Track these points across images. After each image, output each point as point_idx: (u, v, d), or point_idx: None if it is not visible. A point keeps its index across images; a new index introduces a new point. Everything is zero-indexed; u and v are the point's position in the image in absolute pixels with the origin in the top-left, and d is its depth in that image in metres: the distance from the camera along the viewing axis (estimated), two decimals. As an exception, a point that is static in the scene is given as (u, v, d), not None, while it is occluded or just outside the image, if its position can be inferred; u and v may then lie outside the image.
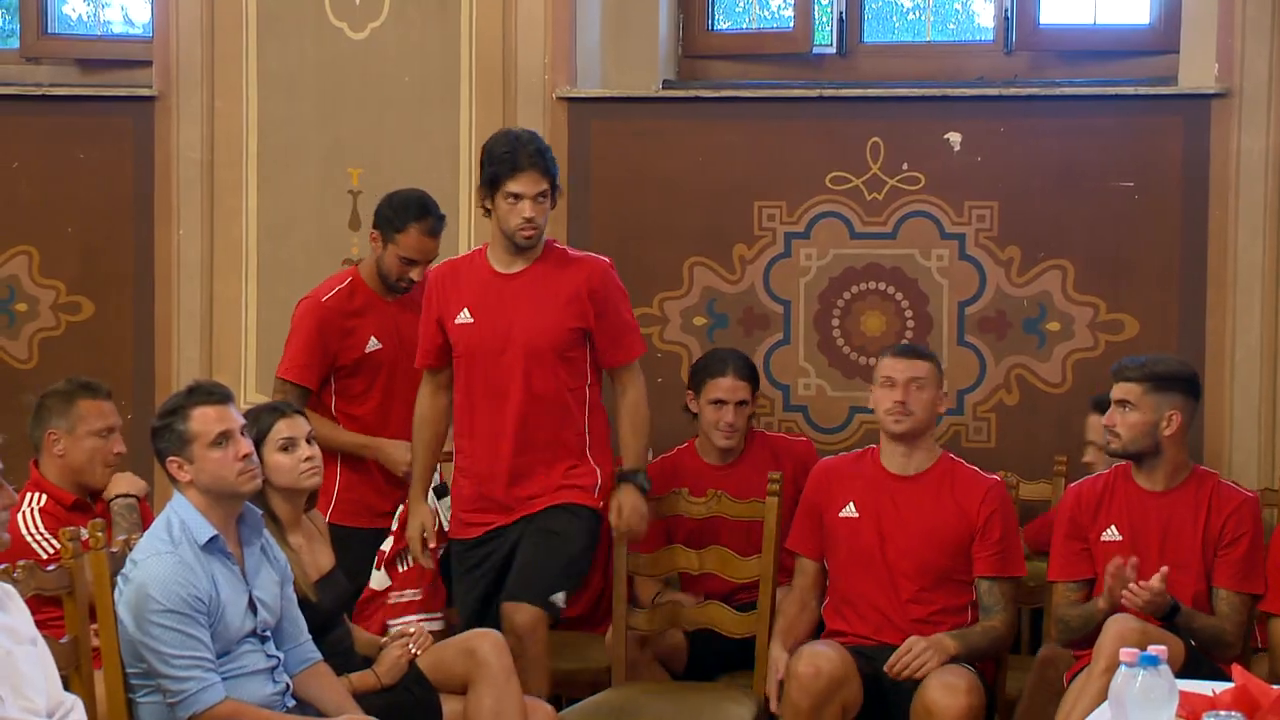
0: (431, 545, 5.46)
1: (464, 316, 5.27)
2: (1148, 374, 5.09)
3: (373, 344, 5.77)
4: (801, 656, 5.02)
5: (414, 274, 5.71)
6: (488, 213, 5.26)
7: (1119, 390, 5.10)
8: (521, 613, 5.15)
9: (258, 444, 4.79)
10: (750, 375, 5.84)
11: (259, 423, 4.86)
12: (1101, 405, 5.29)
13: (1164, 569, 4.82)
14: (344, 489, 5.75)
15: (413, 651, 4.85)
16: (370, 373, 5.79)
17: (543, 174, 5.16)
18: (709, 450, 5.87)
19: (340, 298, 5.79)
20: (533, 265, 5.26)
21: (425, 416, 5.43)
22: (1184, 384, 5.13)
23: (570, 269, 5.26)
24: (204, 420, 4.45)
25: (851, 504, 5.28)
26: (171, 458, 4.45)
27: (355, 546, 5.54)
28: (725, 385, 5.77)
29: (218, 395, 4.52)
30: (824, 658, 4.98)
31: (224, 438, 4.45)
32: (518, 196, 5.14)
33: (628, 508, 5.31)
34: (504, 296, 5.24)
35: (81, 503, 5.25)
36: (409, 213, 5.71)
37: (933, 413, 5.29)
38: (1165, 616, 4.85)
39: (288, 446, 4.86)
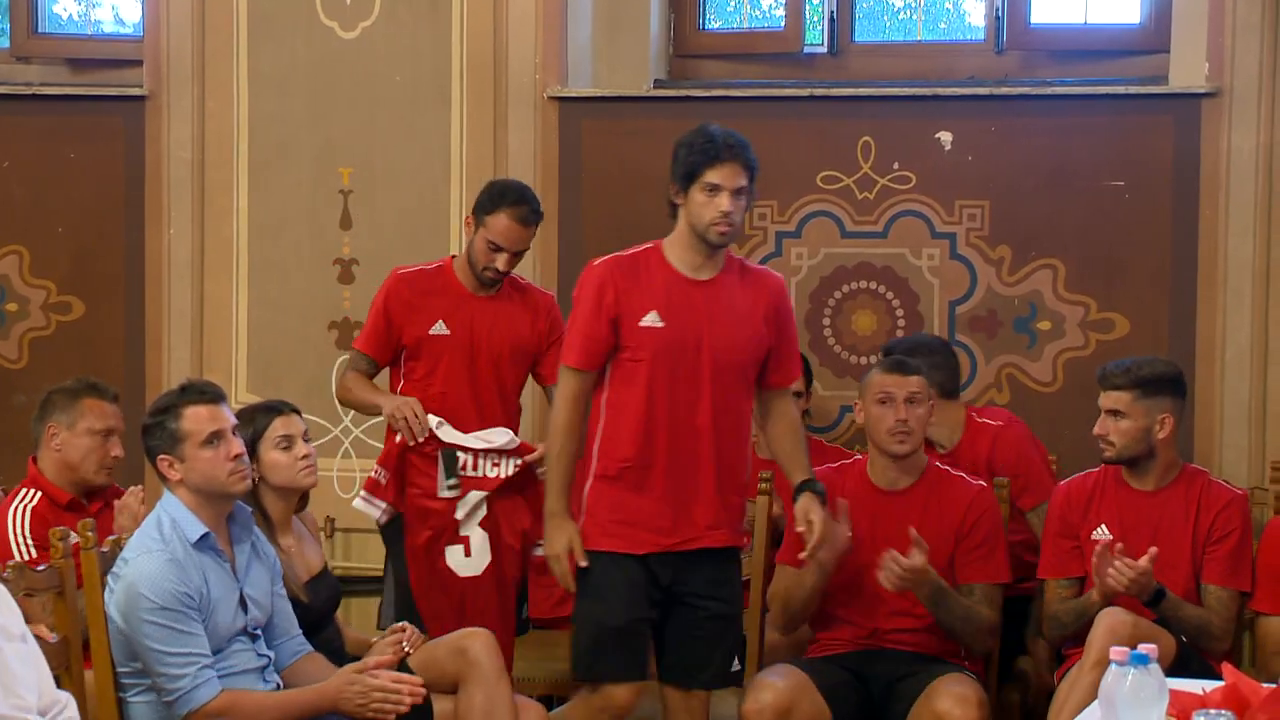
0: (582, 564, 4.87)
1: (652, 319, 4.83)
2: (1135, 380, 5.09)
3: (439, 328, 5.55)
4: (749, 691, 4.99)
5: (499, 263, 5.50)
6: (674, 212, 4.91)
7: (1108, 399, 5.10)
8: (697, 699, 4.93)
9: (254, 441, 4.81)
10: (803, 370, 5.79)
11: (255, 420, 4.87)
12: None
13: (1153, 550, 4.83)
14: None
15: (405, 650, 4.85)
16: (432, 357, 5.57)
17: (743, 167, 4.80)
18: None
19: (421, 275, 5.63)
20: (721, 273, 4.88)
21: (571, 424, 4.87)
22: (1172, 385, 5.14)
23: (756, 282, 4.93)
24: (196, 419, 4.46)
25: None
26: (162, 456, 4.45)
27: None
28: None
29: (210, 394, 4.53)
30: (768, 689, 4.93)
31: (215, 437, 4.45)
32: (716, 188, 4.76)
33: (819, 520, 4.87)
34: (695, 303, 4.84)
35: (76, 502, 5.25)
36: (505, 197, 5.52)
37: (925, 426, 5.27)
38: (1151, 602, 4.86)
39: (285, 444, 4.87)
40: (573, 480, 4.88)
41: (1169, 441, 5.11)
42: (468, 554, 5.52)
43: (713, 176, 4.78)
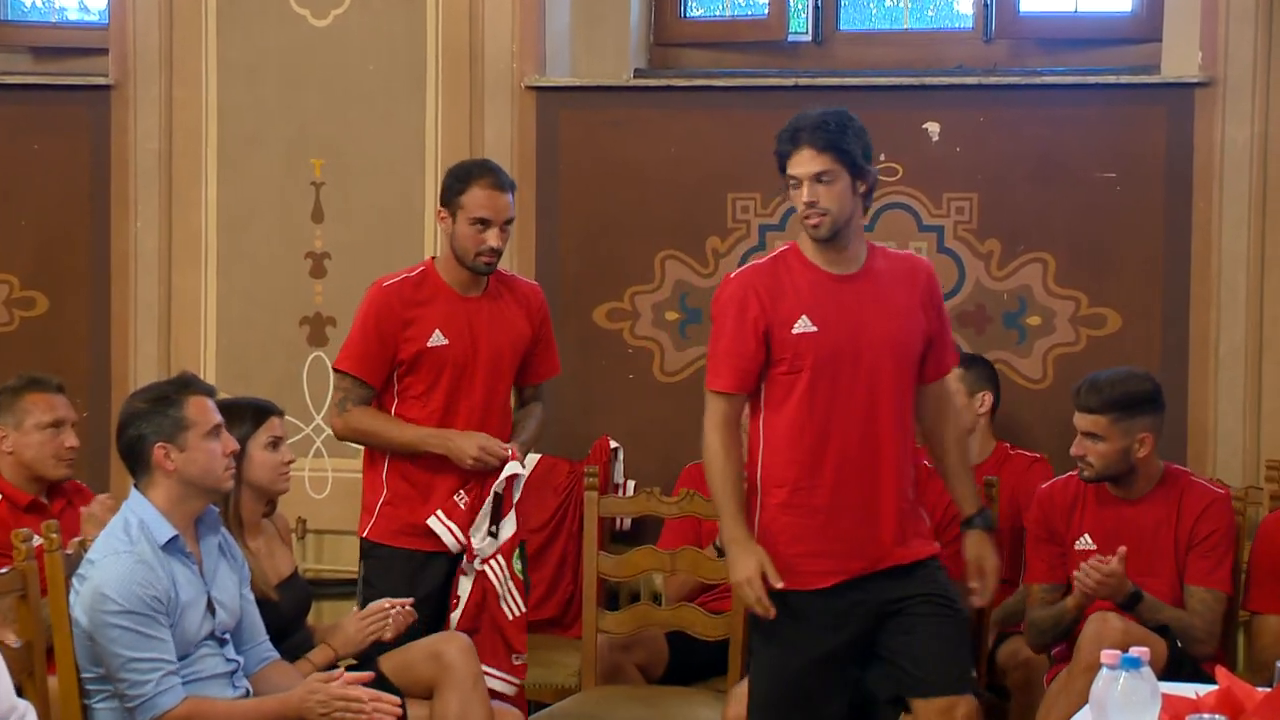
0: (778, 585, 4.49)
1: (804, 324, 4.51)
2: (1110, 403, 5.09)
3: (437, 338, 5.25)
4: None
5: (491, 239, 5.21)
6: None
7: (1084, 422, 5.11)
8: (963, 705, 4.51)
9: (244, 438, 4.81)
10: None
11: (249, 417, 4.87)
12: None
13: (1121, 550, 4.84)
14: (387, 503, 5.32)
15: (386, 629, 4.87)
16: (432, 371, 5.26)
17: (818, 150, 4.48)
18: None
19: (405, 284, 5.32)
20: (868, 263, 4.58)
21: (730, 447, 4.54)
22: (1148, 403, 5.13)
23: (905, 268, 4.64)
24: (202, 409, 4.46)
25: None
26: (161, 444, 4.42)
27: (397, 568, 5.27)
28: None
29: (208, 389, 4.57)
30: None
31: (215, 431, 4.46)
32: (796, 181, 4.51)
33: (990, 566, 4.63)
34: (844, 301, 4.54)
35: (37, 503, 5.24)
36: (471, 171, 5.30)
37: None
38: (1127, 605, 4.87)
39: (274, 445, 4.89)
40: (743, 503, 4.55)
41: (1149, 458, 5.13)
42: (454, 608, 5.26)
43: (791, 168, 4.52)
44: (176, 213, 6.77)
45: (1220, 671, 3.67)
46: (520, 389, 5.50)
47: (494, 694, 5.03)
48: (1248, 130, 6.01)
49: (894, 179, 6.29)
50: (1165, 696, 3.49)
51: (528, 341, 5.40)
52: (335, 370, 5.38)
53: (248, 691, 4.51)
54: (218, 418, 4.49)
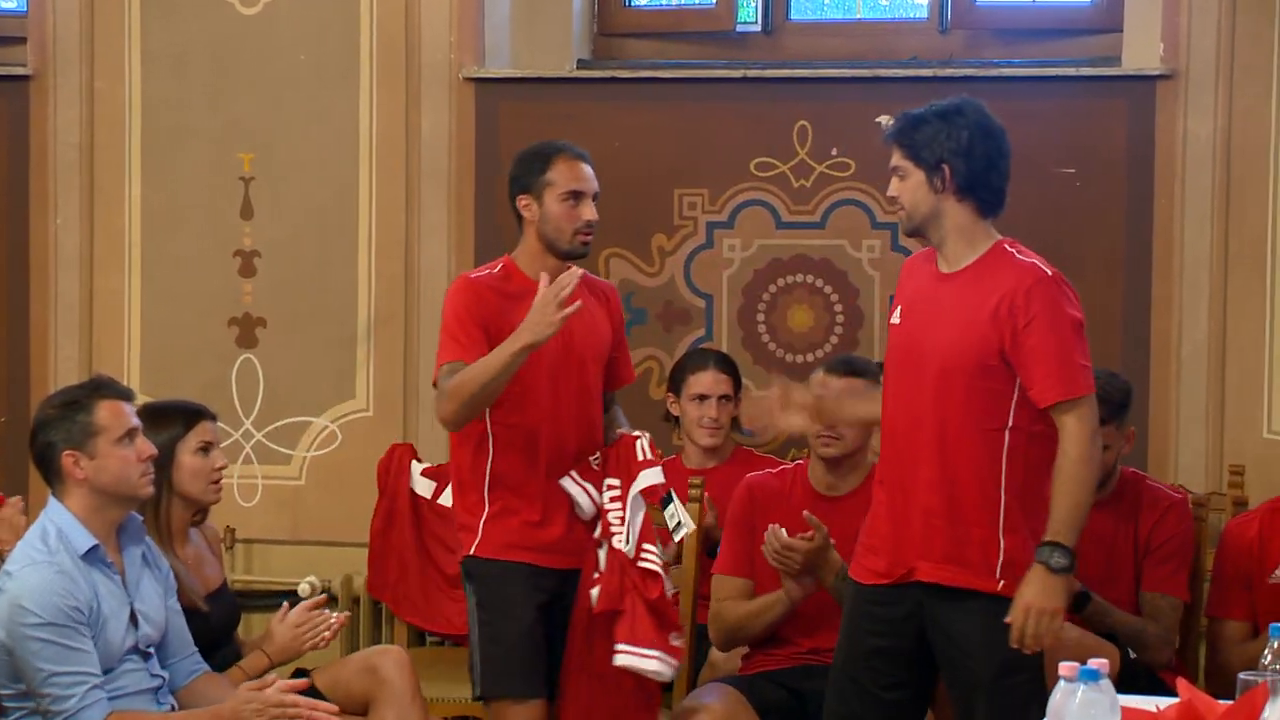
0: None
1: (896, 316, 4.67)
2: (1115, 407, 5.13)
3: None
4: (680, 712, 5.05)
5: (586, 211, 5.03)
6: None
7: None
8: None
9: (173, 442, 4.79)
10: (732, 370, 5.96)
11: (176, 421, 4.85)
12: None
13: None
14: (492, 518, 5.03)
15: (324, 637, 4.86)
16: (528, 369, 4.90)
17: (889, 144, 4.64)
18: (692, 455, 5.98)
19: (491, 278, 5.06)
20: (973, 266, 4.56)
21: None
22: (1114, 409, 5.13)
23: (1002, 277, 4.53)
24: (112, 414, 4.43)
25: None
26: (69, 451, 4.40)
27: (511, 584, 5.00)
28: (707, 380, 5.88)
29: (124, 392, 4.53)
30: (703, 711, 4.96)
31: (130, 435, 4.43)
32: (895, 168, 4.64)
33: (1034, 616, 4.39)
34: (936, 298, 4.59)
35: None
36: (543, 150, 5.13)
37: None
38: (1075, 607, 4.85)
39: (205, 450, 4.87)
40: None
41: (1110, 461, 5.15)
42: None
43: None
44: (98, 209, 6.73)
45: (1181, 683, 3.69)
46: (610, 395, 5.27)
47: (644, 681, 4.96)
48: (1210, 124, 6.04)
49: (846, 174, 6.31)
50: (1125, 709, 3.50)
51: (610, 342, 5.20)
52: (438, 368, 5.00)
53: (173, 707, 4.49)
54: (132, 422, 4.45)
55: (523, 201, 5.08)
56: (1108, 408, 5.01)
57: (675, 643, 4.96)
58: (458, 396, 4.88)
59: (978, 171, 4.55)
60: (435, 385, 5.01)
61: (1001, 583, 4.45)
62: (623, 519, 4.96)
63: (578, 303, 4.78)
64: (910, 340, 4.57)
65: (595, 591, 4.96)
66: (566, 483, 5.02)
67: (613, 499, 5.00)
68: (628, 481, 5.00)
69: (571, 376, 5.03)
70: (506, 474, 5.00)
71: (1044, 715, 4.41)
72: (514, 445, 4.98)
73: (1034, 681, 4.40)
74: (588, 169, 5.11)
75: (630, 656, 4.89)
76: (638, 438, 5.05)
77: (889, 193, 4.63)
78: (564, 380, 5.01)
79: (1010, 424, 4.46)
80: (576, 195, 5.04)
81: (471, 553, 5.02)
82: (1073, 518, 4.38)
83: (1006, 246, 4.57)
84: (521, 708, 4.93)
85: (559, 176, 5.05)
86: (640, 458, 4.99)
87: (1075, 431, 4.39)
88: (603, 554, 5.00)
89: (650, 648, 4.91)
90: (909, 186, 4.56)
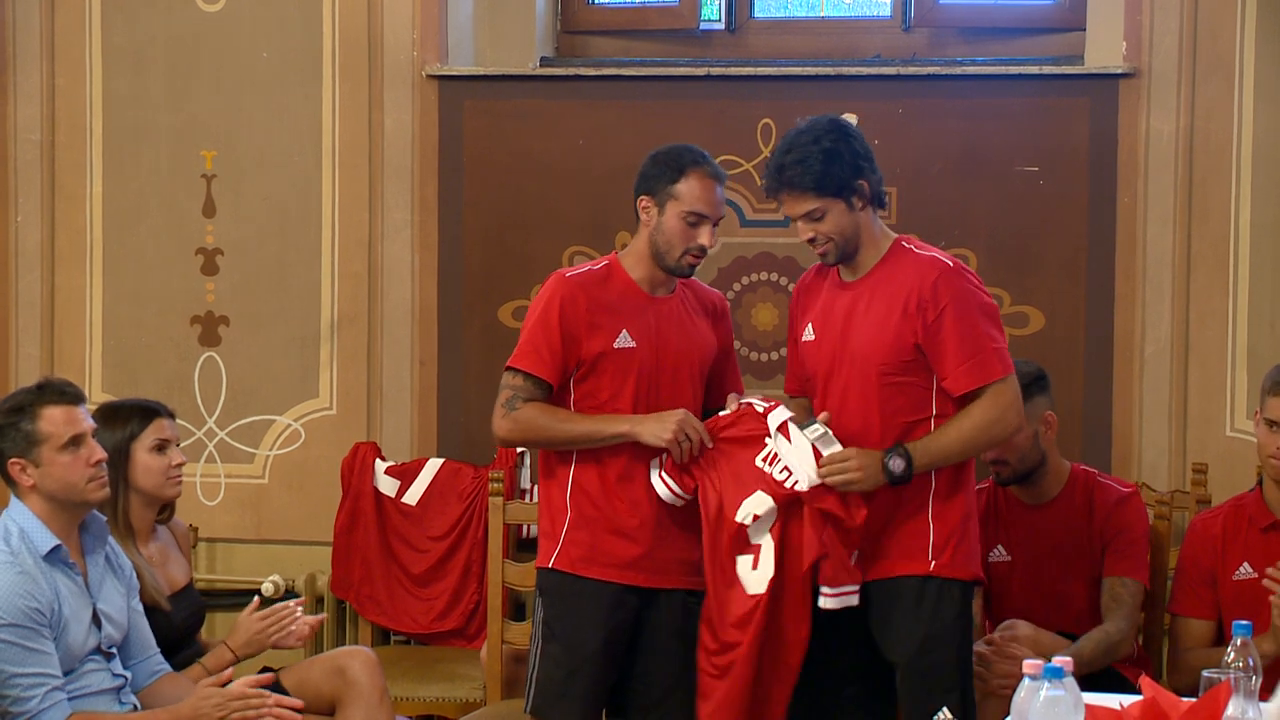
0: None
1: (808, 334, 4.80)
2: (1025, 378, 5.14)
3: (624, 339, 4.81)
4: None
5: (703, 238, 4.80)
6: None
7: None
8: None
9: (128, 440, 4.78)
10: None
11: (132, 420, 4.83)
12: None
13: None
14: (574, 527, 4.85)
15: (291, 633, 4.85)
16: (618, 375, 4.80)
17: (801, 192, 4.66)
18: None
19: (590, 277, 4.88)
20: (874, 269, 4.70)
21: None
22: (1038, 383, 5.17)
23: (906, 271, 4.67)
24: (54, 421, 4.41)
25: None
26: (14, 460, 4.40)
27: (585, 603, 4.83)
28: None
29: (70, 394, 4.48)
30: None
31: (75, 441, 4.41)
32: (789, 219, 4.78)
33: (851, 466, 4.57)
34: (837, 309, 4.75)
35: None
36: (686, 157, 4.84)
37: None
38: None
39: (161, 447, 4.85)
40: None
41: (1053, 443, 5.18)
42: (755, 566, 4.73)
43: (782, 209, 4.74)
44: (59, 207, 6.71)
45: (1145, 681, 3.71)
46: (710, 412, 4.95)
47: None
48: (1173, 123, 6.07)
49: (810, 172, 6.32)
50: (1089, 707, 3.52)
51: (713, 351, 4.98)
52: (507, 369, 4.86)
53: (135, 707, 4.48)
54: (78, 428, 4.43)
55: (643, 203, 4.88)
56: (1047, 385, 5.10)
57: (854, 563, 4.69)
58: (526, 431, 4.82)
59: (875, 176, 4.69)
60: (501, 386, 4.84)
61: (933, 563, 4.60)
62: (786, 468, 4.67)
63: (688, 440, 4.71)
64: (827, 352, 4.70)
65: (756, 573, 4.70)
66: (652, 476, 4.82)
67: (767, 460, 4.69)
68: (765, 434, 4.74)
69: (663, 386, 4.85)
70: (589, 483, 4.82)
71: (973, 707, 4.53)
72: (598, 454, 4.80)
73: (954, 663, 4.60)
74: (719, 192, 4.85)
75: (833, 599, 4.65)
76: (746, 402, 4.80)
77: (803, 237, 4.67)
78: (655, 389, 4.84)
79: (934, 413, 4.64)
80: (700, 217, 4.80)
81: (550, 565, 4.85)
82: (937, 447, 4.58)
83: (904, 244, 4.70)
84: None
85: (687, 193, 4.81)
86: (760, 409, 4.75)
87: (985, 404, 4.58)
88: (769, 542, 4.70)
89: (848, 583, 4.67)
90: (831, 221, 4.63)
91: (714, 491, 4.71)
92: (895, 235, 4.72)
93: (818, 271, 4.83)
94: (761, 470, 4.66)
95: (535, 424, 4.77)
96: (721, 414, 4.77)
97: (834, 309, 4.71)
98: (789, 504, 4.62)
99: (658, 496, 4.78)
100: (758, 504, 4.65)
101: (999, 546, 5.22)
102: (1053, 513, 5.20)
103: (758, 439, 4.68)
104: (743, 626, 4.65)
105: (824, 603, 4.62)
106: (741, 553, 4.68)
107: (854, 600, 4.64)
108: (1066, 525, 5.18)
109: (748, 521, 4.65)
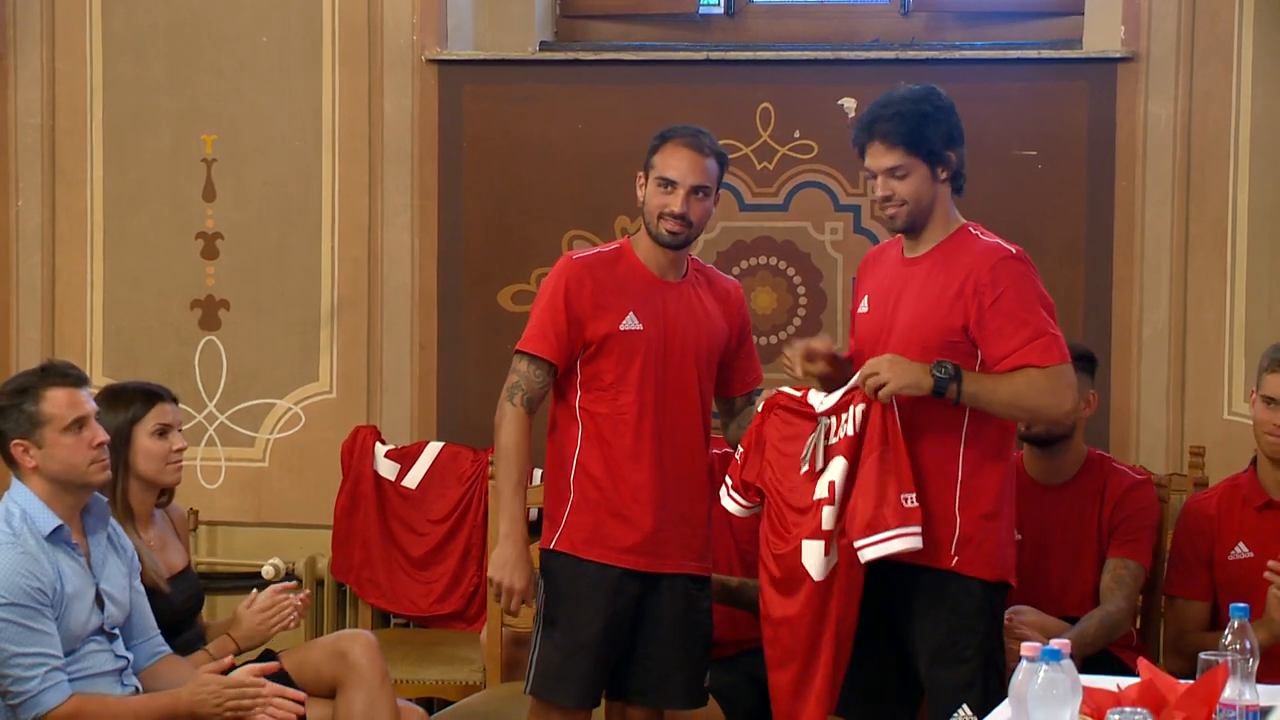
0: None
1: (863, 305, 4.74)
2: (1071, 355, 5.17)
3: (630, 321, 4.82)
4: None
5: (674, 203, 4.80)
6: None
7: None
8: None
9: (130, 425, 4.78)
10: None
11: (135, 403, 4.84)
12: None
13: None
14: (575, 509, 4.86)
15: (290, 619, 4.86)
16: (624, 357, 4.81)
17: (892, 144, 4.56)
18: None
19: (599, 259, 4.91)
20: (935, 248, 4.62)
21: None
22: (1088, 362, 5.23)
23: (964, 256, 4.61)
24: (58, 403, 4.42)
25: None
26: (17, 441, 4.41)
27: (585, 584, 4.83)
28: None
29: (73, 377, 4.50)
30: None
31: (79, 423, 4.43)
32: (870, 173, 4.64)
33: (884, 369, 4.47)
34: (894, 283, 4.68)
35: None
36: (673, 130, 4.92)
37: None
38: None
39: (163, 432, 4.86)
40: None
41: (1084, 424, 5.20)
42: (827, 551, 4.55)
43: (867, 160, 4.63)
44: (60, 191, 6.71)
45: (1142, 663, 3.73)
46: (729, 400, 5.07)
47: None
48: (1171, 107, 6.07)
49: (809, 156, 6.32)
50: (1087, 689, 3.53)
51: (724, 340, 4.97)
52: (515, 353, 4.88)
53: (137, 689, 4.49)
54: (81, 410, 4.45)
55: (639, 180, 4.95)
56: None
57: (909, 504, 4.48)
58: (496, 444, 4.87)
59: (964, 156, 4.64)
60: (510, 370, 4.87)
61: (956, 559, 4.52)
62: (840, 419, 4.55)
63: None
64: (877, 324, 4.62)
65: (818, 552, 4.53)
66: (722, 497, 4.81)
67: (829, 413, 4.57)
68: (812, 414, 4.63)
69: (670, 370, 4.85)
70: (593, 465, 4.83)
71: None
72: (602, 436, 4.83)
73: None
74: (693, 159, 4.84)
75: (875, 547, 4.46)
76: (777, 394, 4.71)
77: (880, 193, 4.57)
78: (662, 373, 4.84)
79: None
80: (670, 183, 4.83)
81: (552, 546, 4.86)
82: (986, 385, 4.44)
83: (971, 229, 4.63)
84: (566, 717, 4.86)
85: (661, 160, 4.87)
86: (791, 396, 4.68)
87: (1044, 376, 4.46)
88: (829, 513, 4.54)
89: (893, 527, 4.46)
90: (912, 183, 4.55)
91: (774, 483, 4.64)
92: (965, 221, 4.66)
93: (884, 247, 4.80)
94: (808, 479, 4.56)
95: (503, 439, 4.81)
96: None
97: (892, 284, 4.65)
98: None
99: (662, 482, 4.81)
100: (835, 471, 4.50)
101: None
102: (1066, 495, 5.20)
103: (796, 446, 4.61)
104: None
105: (864, 554, 4.44)
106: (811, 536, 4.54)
107: (905, 545, 4.43)
108: (1079, 509, 5.18)
109: (824, 495, 4.49)
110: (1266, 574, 4.83)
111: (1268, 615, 4.77)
